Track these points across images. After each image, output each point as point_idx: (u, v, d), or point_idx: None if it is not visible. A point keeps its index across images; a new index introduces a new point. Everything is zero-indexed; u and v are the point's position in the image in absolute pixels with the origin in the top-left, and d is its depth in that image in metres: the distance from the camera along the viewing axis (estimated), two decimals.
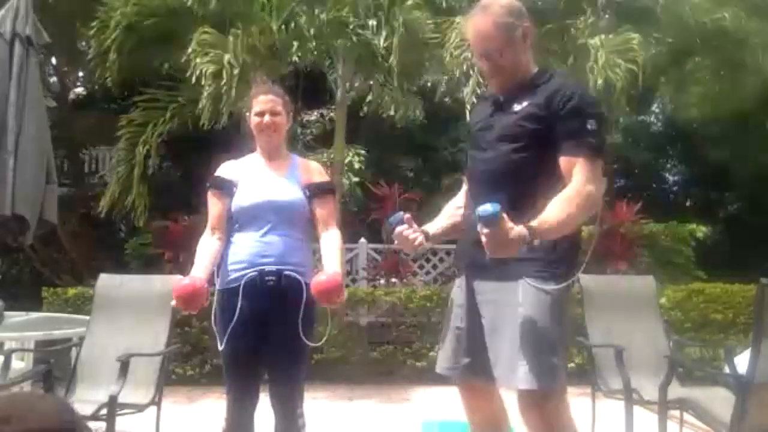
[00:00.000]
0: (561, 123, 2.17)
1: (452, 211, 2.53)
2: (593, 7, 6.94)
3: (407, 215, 2.33)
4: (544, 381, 2.12)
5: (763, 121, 9.74)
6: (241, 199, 2.73)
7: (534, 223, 2.02)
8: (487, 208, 1.96)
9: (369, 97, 7.63)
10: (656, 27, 7.04)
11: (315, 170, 2.87)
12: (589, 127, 2.16)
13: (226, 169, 2.84)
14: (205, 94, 6.00)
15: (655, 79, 9.11)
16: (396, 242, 2.34)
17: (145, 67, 7.58)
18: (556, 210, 2.09)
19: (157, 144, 7.22)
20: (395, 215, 2.35)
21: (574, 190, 2.12)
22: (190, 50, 6.10)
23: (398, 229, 2.31)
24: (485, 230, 1.96)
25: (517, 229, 1.97)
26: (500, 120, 2.30)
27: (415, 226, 2.33)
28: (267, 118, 2.75)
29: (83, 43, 7.66)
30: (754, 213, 10.82)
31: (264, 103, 2.77)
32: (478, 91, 6.06)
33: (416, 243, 2.32)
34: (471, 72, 6.12)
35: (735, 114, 9.42)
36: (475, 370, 2.30)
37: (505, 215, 1.96)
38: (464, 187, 2.52)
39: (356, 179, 9.18)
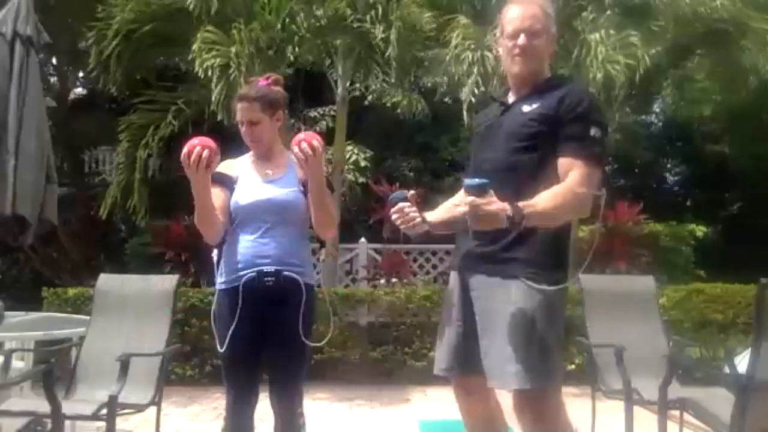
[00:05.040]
0: (565, 126, 2.18)
1: (450, 206, 2.50)
2: (595, 3, 6.91)
3: (411, 192, 2.29)
4: (537, 381, 2.12)
5: (764, 121, 9.74)
6: (238, 199, 2.71)
7: (520, 204, 2.03)
8: (474, 180, 2.02)
9: (371, 90, 7.64)
10: (657, 22, 7.01)
11: None
12: (592, 133, 2.17)
13: (225, 167, 2.83)
14: (217, 88, 5.95)
15: (655, 79, 9.10)
16: (394, 218, 2.26)
17: (146, 70, 7.58)
18: (546, 199, 2.09)
19: (158, 147, 7.23)
20: (399, 192, 2.31)
21: (566, 187, 2.14)
22: (195, 48, 6.09)
23: (400, 204, 2.26)
24: (469, 199, 1.98)
25: (500, 203, 1.99)
26: (508, 121, 2.30)
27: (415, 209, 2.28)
28: (243, 128, 2.73)
29: (84, 44, 7.64)
30: (754, 213, 10.81)
31: (240, 111, 2.72)
32: (476, 91, 6.06)
33: (414, 222, 2.25)
34: (481, 64, 6.10)
35: (735, 113, 9.43)
36: (471, 371, 2.28)
37: (491, 191, 1.98)
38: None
39: (362, 179, 9.19)
